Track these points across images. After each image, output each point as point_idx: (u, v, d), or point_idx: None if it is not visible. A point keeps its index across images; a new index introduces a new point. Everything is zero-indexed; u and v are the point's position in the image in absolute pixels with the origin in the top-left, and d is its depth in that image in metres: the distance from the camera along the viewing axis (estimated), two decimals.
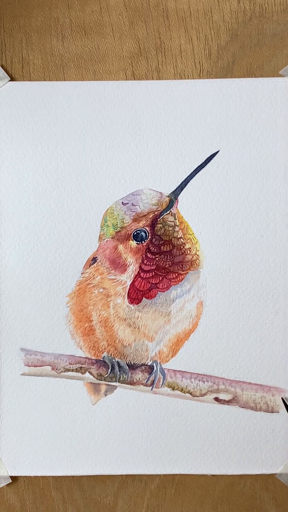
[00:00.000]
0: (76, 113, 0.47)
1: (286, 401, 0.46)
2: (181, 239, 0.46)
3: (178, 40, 0.47)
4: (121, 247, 0.46)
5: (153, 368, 0.47)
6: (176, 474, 0.47)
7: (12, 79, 0.47)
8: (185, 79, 0.47)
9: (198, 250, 0.47)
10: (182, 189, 0.46)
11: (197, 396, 0.47)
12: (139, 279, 0.46)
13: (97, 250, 0.47)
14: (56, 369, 0.46)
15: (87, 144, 0.47)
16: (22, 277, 0.47)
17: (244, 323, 0.47)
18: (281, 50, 0.48)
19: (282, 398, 0.46)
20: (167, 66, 0.47)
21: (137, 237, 0.46)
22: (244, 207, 0.47)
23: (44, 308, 0.46)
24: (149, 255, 0.46)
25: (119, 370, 0.47)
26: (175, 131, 0.47)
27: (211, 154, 0.47)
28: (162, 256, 0.46)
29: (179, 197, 0.46)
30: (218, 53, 0.48)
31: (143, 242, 0.46)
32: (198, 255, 0.46)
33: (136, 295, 0.46)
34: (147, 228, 0.46)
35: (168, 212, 0.46)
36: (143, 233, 0.46)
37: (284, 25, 0.48)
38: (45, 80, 0.47)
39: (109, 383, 0.47)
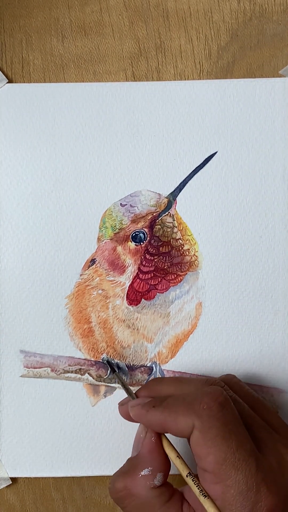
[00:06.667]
0: (74, 114, 0.47)
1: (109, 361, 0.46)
2: (180, 240, 0.46)
3: (178, 40, 0.47)
4: (119, 248, 0.46)
5: (153, 369, 0.47)
6: (176, 474, 0.47)
7: (12, 79, 0.47)
8: (185, 79, 0.47)
9: (197, 251, 0.46)
10: (180, 190, 0.46)
11: None
12: (138, 280, 0.46)
13: (95, 251, 0.47)
14: (56, 371, 0.46)
15: (85, 146, 0.47)
16: (20, 279, 0.47)
17: (243, 324, 0.47)
18: (281, 50, 0.47)
19: (105, 359, 0.46)
20: (167, 66, 0.47)
21: (135, 238, 0.46)
22: (242, 208, 0.47)
23: (43, 310, 0.46)
24: (147, 256, 0.46)
25: (118, 372, 0.47)
26: (173, 132, 0.47)
27: (209, 155, 0.47)
28: (161, 257, 0.46)
29: (178, 198, 0.46)
30: (218, 53, 0.47)
31: (141, 243, 0.46)
32: (196, 256, 0.46)
33: (135, 296, 0.46)
34: (145, 229, 0.46)
35: (167, 213, 0.46)
36: (141, 235, 0.46)
37: (284, 25, 0.47)
38: (45, 80, 0.47)
39: (109, 384, 0.47)
